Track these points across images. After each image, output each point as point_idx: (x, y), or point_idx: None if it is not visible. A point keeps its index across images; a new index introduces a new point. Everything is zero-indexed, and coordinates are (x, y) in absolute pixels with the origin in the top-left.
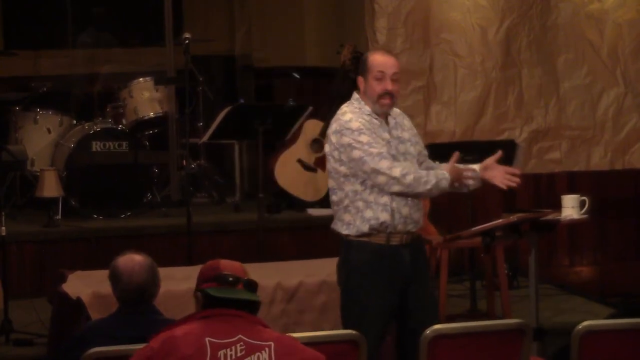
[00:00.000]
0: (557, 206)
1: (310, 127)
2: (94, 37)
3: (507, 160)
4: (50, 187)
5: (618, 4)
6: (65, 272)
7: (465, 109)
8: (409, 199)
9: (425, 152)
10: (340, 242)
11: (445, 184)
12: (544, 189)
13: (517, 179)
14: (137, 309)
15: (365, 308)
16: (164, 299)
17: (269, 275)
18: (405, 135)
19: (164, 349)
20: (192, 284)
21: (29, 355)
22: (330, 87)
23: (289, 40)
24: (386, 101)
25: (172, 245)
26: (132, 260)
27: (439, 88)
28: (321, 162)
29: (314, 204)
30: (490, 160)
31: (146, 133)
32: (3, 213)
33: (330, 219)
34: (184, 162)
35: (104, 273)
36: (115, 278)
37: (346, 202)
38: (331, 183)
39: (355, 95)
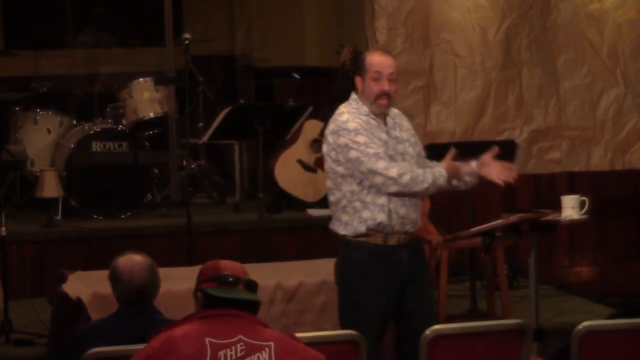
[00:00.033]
0: (557, 206)
1: (310, 127)
2: (94, 37)
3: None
4: (50, 187)
5: (618, 4)
6: (65, 272)
7: (465, 109)
8: (407, 199)
9: (424, 153)
10: (338, 242)
11: (442, 181)
12: (544, 189)
13: (514, 174)
14: (137, 309)
15: (363, 308)
16: (164, 299)
17: (269, 276)
18: (404, 135)
19: (164, 349)
20: (192, 284)
21: (29, 355)
22: (330, 87)
23: (289, 40)
24: (383, 101)
25: (172, 246)
26: (132, 261)
27: (439, 88)
28: (321, 163)
29: (313, 204)
30: (487, 157)
31: (146, 133)
32: (3, 213)
33: (330, 219)
34: (184, 162)
35: (104, 273)
36: (115, 278)
37: (344, 202)
38: (329, 183)
39: (354, 95)
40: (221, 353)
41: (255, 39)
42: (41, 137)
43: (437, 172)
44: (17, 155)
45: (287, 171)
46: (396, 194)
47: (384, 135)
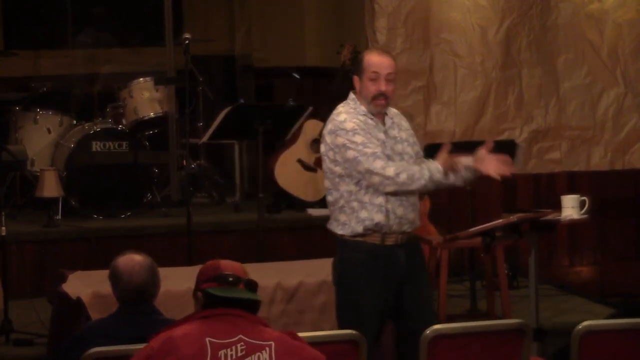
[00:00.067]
0: (557, 206)
1: (310, 127)
2: (94, 37)
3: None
4: (50, 187)
5: (618, 4)
6: (65, 272)
7: (465, 109)
8: (404, 199)
9: (422, 154)
10: (335, 241)
11: (439, 176)
12: (544, 189)
13: (511, 168)
14: (137, 309)
15: (360, 308)
16: (164, 299)
17: (269, 275)
18: (403, 135)
19: (164, 348)
20: (192, 284)
21: (29, 355)
22: (330, 87)
23: (289, 40)
24: (380, 102)
25: (172, 245)
26: (132, 260)
27: (439, 88)
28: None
29: (314, 204)
30: (483, 151)
31: (146, 133)
32: (3, 213)
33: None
34: (184, 162)
35: (104, 273)
36: (115, 278)
37: (341, 202)
38: (327, 183)
39: (352, 95)
40: (221, 353)
41: (255, 39)
42: (41, 137)
43: (433, 168)
44: (17, 155)
45: (287, 171)
46: (394, 193)
47: (381, 135)
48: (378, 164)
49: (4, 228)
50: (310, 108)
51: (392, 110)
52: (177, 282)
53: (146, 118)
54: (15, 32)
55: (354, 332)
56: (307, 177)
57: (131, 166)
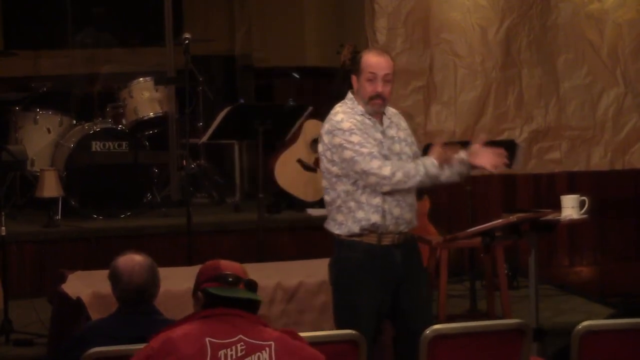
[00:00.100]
0: (557, 206)
1: (310, 127)
2: (94, 37)
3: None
4: (50, 187)
5: (618, 4)
6: (65, 272)
7: (465, 109)
8: (401, 200)
9: (419, 154)
10: (332, 241)
11: (434, 170)
12: (544, 189)
13: (505, 159)
14: (137, 309)
15: (357, 308)
16: (164, 299)
17: (269, 275)
18: (401, 134)
19: (164, 348)
20: (192, 284)
21: (29, 355)
22: (330, 87)
23: (289, 40)
24: (377, 102)
25: (172, 245)
26: (132, 260)
27: (439, 88)
28: None
29: (314, 204)
30: (477, 145)
31: (146, 133)
32: (3, 213)
33: None
34: (184, 162)
35: (104, 273)
36: (115, 278)
37: (338, 202)
38: (324, 183)
39: (350, 94)
40: (221, 353)
41: (255, 39)
42: (41, 137)
43: (428, 163)
44: (17, 155)
45: (287, 171)
46: (392, 193)
47: (379, 135)
48: (375, 164)
49: (4, 228)
50: (310, 108)
51: (391, 110)
52: (177, 282)
53: (146, 118)
54: (15, 32)
55: (353, 332)
56: (307, 177)
57: (131, 166)
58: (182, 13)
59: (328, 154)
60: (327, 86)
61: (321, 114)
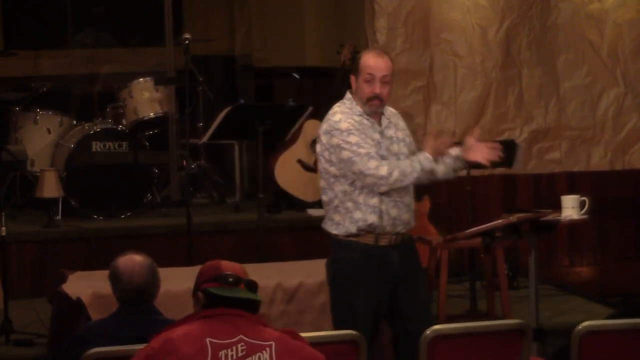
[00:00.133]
0: (557, 206)
1: (310, 127)
2: (94, 37)
3: (507, 160)
4: (50, 188)
5: (618, 4)
6: (65, 272)
7: (465, 109)
8: (399, 200)
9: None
10: (330, 241)
11: (429, 164)
12: (544, 189)
13: (499, 152)
14: (137, 309)
15: (353, 308)
16: (164, 299)
17: (269, 276)
18: (399, 135)
19: (165, 349)
20: (192, 284)
21: (29, 355)
22: (330, 87)
23: (289, 40)
24: (374, 103)
25: (172, 245)
26: (132, 261)
27: (439, 88)
28: None
29: (314, 204)
30: (471, 140)
31: (146, 133)
32: (3, 213)
33: None
34: (184, 162)
35: (104, 273)
36: (115, 278)
37: (336, 202)
38: (322, 183)
39: (348, 94)
40: (222, 353)
41: (255, 39)
42: (41, 137)
43: (422, 159)
44: (17, 155)
45: (287, 171)
46: (390, 192)
47: (377, 135)
48: (372, 164)
49: (4, 228)
50: (310, 108)
51: (389, 110)
52: (177, 282)
53: (146, 118)
54: (15, 32)
55: (353, 332)
56: (307, 177)
57: (131, 166)
58: (182, 13)
59: (326, 154)
60: (327, 86)
61: (321, 114)
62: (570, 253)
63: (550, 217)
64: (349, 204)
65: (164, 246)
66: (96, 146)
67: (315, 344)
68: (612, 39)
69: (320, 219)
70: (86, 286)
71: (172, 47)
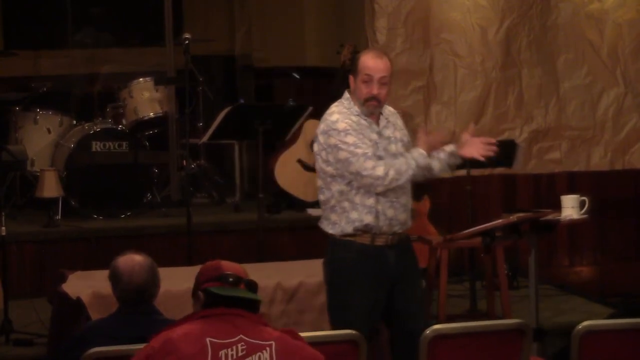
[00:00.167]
0: (557, 206)
1: (310, 127)
2: (94, 37)
3: (507, 160)
4: (50, 187)
5: (618, 4)
6: (65, 272)
7: (465, 109)
8: (395, 200)
9: None
10: (326, 240)
11: (423, 160)
12: (544, 189)
13: (494, 147)
14: (137, 309)
15: (350, 307)
16: (164, 299)
17: (269, 276)
18: (397, 134)
19: (165, 348)
20: (192, 284)
21: (29, 355)
22: (330, 87)
23: (289, 40)
24: (372, 104)
25: (172, 245)
26: (132, 260)
27: (439, 88)
28: None
29: (314, 204)
30: (466, 136)
31: (146, 133)
32: (3, 213)
33: None
34: (184, 162)
35: (104, 273)
36: (115, 278)
37: (333, 202)
38: (319, 182)
39: (346, 94)
40: (222, 353)
41: (255, 39)
42: (41, 137)
43: (416, 154)
44: (17, 155)
45: (287, 171)
46: (387, 191)
47: (374, 136)
48: (368, 165)
49: (4, 228)
50: (310, 108)
51: (388, 109)
52: (177, 282)
53: (146, 118)
54: (15, 32)
55: (353, 332)
56: (307, 177)
57: (131, 166)
58: (182, 13)
59: (323, 154)
60: (327, 86)
61: (321, 114)
62: (570, 253)
63: (550, 217)
64: (346, 204)
65: (164, 246)
66: (96, 146)
67: (315, 344)
68: (612, 39)
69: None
70: (86, 286)
71: (172, 47)
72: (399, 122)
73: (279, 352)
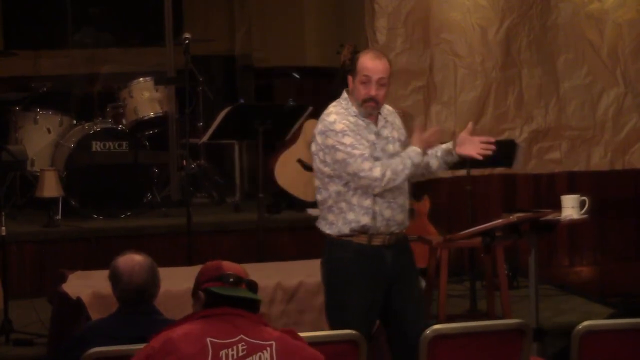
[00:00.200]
0: (557, 206)
1: (310, 127)
2: (94, 37)
3: (507, 160)
4: (50, 187)
5: (618, 4)
6: (65, 272)
7: (465, 109)
8: (392, 201)
9: None
10: (324, 240)
11: (418, 158)
12: (544, 189)
13: (492, 146)
14: (137, 309)
15: (347, 307)
16: (164, 299)
17: (269, 275)
18: (395, 134)
19: (165, 348)
20: (192, 284)
21: (29, 355)
22: (330, 87)
23: (289, 40)
24: (370, 105)
25: (172, 245)
26: (132, 260)
27: (439, 88)
28: None
29: (313, 204)
30: (463, 135)
31: (146, 133)
32: (3, 213)
33: None
34: (184, 162)
35: (104, 273)
36: (115, 278)
37: (330, 202)
38: (317, 182)
39: (344, 94)
40: (222, 353)
41: (255, 39)
42: (41, 137)
43: (411, 152)
44: (17, 155)
45: (287, 171)
46: (384, 192)
47: (372, 137)
48: (366, 166)
49: (4, 228)
50: (310, 108)
51: (386, 109)
52: (177, 282)
53: (146, 118)
54: (15, 32)
55: (353, 332)
56: (307, 177)
57: (131, 166)
58: (182, 13)
59: (320, 154)
60: (327, 86)
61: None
62: (570, 253)
63: (550, 217)
64: (343, 205)
65: (164, 246)
66: (96, 146)
67: (315, 344)
68: (612, 39)
69: None
70: (86, 286)
71: (172, 47)
72: (397, 121)
73: (279, 352)
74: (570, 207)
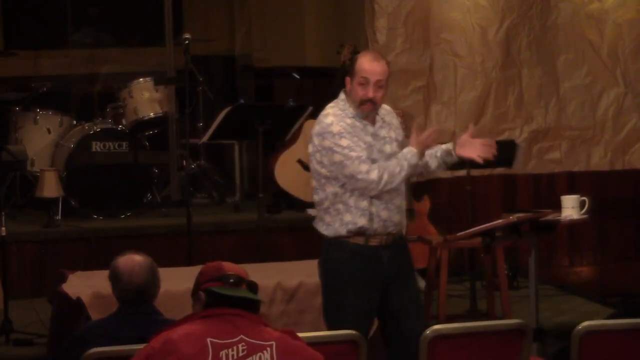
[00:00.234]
0: (557, 206)
1: (310, 127)
2: (94, 37)
3: (507, 160)
4: (50, 187)
5: (618, 4)
6: (65, 272)
7: (465, 109)
8: (389, 202)
9: None
10: (321, 241)
11: (414, 159)
12: (544, 189)
13: (493, 150)
14: (137, 309)
15: (344, 307)
16: (164, 299)
17: (269, 276)
18: (392, 134)
19: (165, 348)
20: (192, 284)
21: (29, 355)
22: (330, 87)
23: (289, 40)
24: (367, 107)
25: (172, 245)
26: (132, 261)
27: (439, 88)
28: None
29: (313, 204)
30: (464, 137)
31: (146, 133)
32: (3, 213)
33: None
34: (184, 162)
35: (104, 273)
36: (115, 278)
37: (327, 203)
38: (314, 183)
39: (342, 95)
40: (223, 353)
41: (255, 39)
42: (41, 137)
43: (407, 153)
44: (17, 155)
45: (287, 171)
46: (381, 193)
47: (368, 138)
48: (363, 168)
49: (4, 228)
50: (310, 108)
51: (384, 109)
52: (177, 282)
53: (146, 118)
54: (15, 32)
55: (353, 332)
56: (307, 177)
57: (131, 166)
58: (182, 13)
59: (318, 155)
60: (327, 86)
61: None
62: (570, 253)
63: (550, 217)
64: (340, 206)
65: (164, 246)
66: (96, 146)
67: (315, 344)
68: (612, 39)
69: None
70: (86, 286)
71: (172, 47)
72: (395, 121)
73: (280, 352)
74: (570, 207)
